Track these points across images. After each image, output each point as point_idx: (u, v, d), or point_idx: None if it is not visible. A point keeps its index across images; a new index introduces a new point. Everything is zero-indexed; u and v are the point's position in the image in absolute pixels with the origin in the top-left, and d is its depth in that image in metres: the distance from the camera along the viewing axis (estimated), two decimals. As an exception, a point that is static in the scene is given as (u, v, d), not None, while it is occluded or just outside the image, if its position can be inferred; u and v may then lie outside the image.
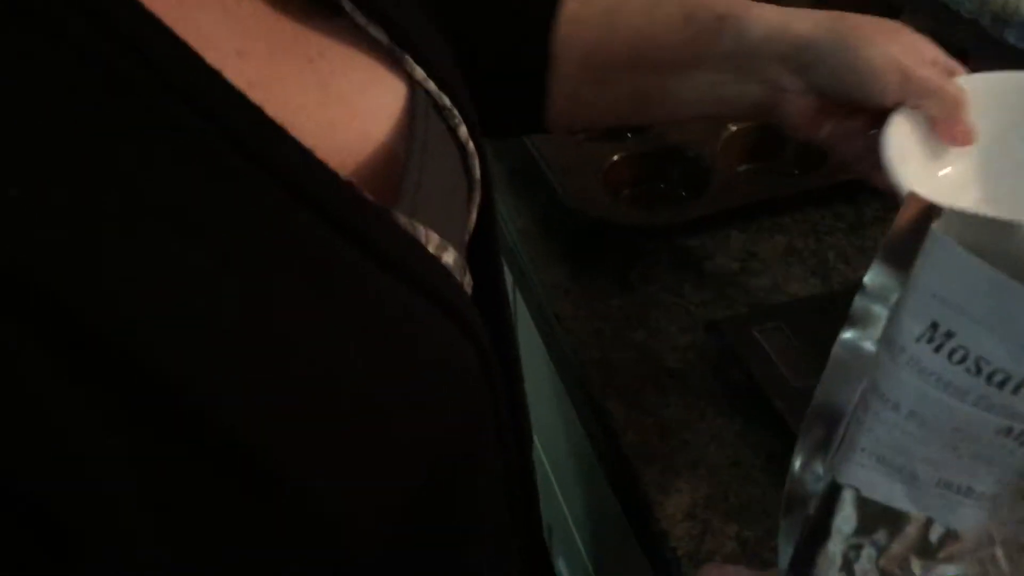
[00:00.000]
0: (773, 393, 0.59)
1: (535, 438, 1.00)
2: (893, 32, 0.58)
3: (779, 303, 0.67)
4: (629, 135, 0.84)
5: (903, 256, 0.35)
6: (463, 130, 0.45)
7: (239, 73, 0.31)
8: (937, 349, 0.34)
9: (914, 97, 0.56)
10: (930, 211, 0.36)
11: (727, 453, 0.58)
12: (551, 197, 0.78)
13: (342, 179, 0.33)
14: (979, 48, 0.89)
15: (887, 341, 0.35)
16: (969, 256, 0.33)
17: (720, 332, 0.64)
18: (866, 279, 0.37)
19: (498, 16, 0.61)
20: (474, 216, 0.46)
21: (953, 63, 0.60)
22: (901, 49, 0.57)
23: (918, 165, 0.57)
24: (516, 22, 0.62)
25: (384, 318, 0.34)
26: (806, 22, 0.58)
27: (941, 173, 0.59)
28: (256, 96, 0.31)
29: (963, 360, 0.34)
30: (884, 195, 0.76)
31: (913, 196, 0.38)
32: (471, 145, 0.45)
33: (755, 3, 0.60)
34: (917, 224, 0.35)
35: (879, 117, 0.57)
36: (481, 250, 0.47)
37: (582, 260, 0.73)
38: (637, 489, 0.58)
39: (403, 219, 0.36)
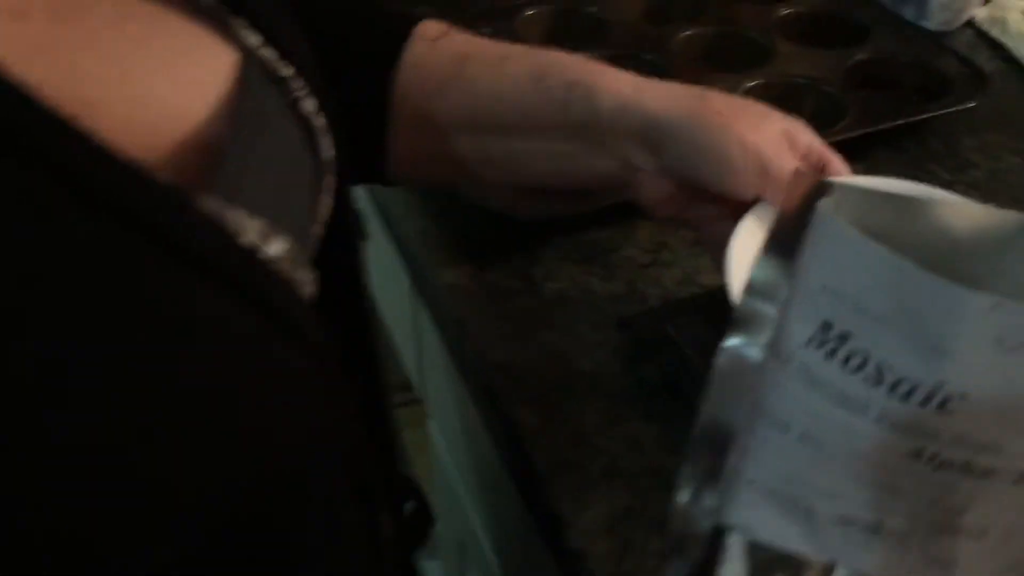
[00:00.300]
0: (692, 393, 0.55)
1: (444, 450, 0.96)
2: (760, 118, 0.55)
3: (692, 295, 0.63)
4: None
5: (792, 244, 0.30)
6: (308, 104, 0.39)
7: (15, 38, 0.25)
8: (830, 355, 0.28)
9: (772, 194, 0.53)
10: (820, 188, 0.30)
11: (646, 460, 0.54)
12: (448, 191, 0.73)
13: (122, 160, 0.27)
14: (879, 25, 0.88)
15: (773, 347, 0.30)
16: (864, 239, 0.28)
17: (632, 329, 0.60)
18: (752, 274, 0.33)
19: (334, 56, 0.57)
20: (328, 201, 0.41)
21: (828, 155, 0.56)
22: (766, 138, 0.53)
23: None
24: (354, 64, 0.56)
25: (177, 318, 0.28)
26: (663, 99, 0.54)
27: None
28: (39, 65, 0.25)
29: (862, 367, 0.27)
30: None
31: (800, 172, 0.34)
32: (319, 120, 0.39)
33: (612, 71, 0.56)
34: (806, 206, 0.30)
35: (747, 205, 0.54)
36: (337, 239, 0.42)
37: (484, 258, 0.69)
38: (549, 503, 0.53)
39: (212, 204, 0.31)
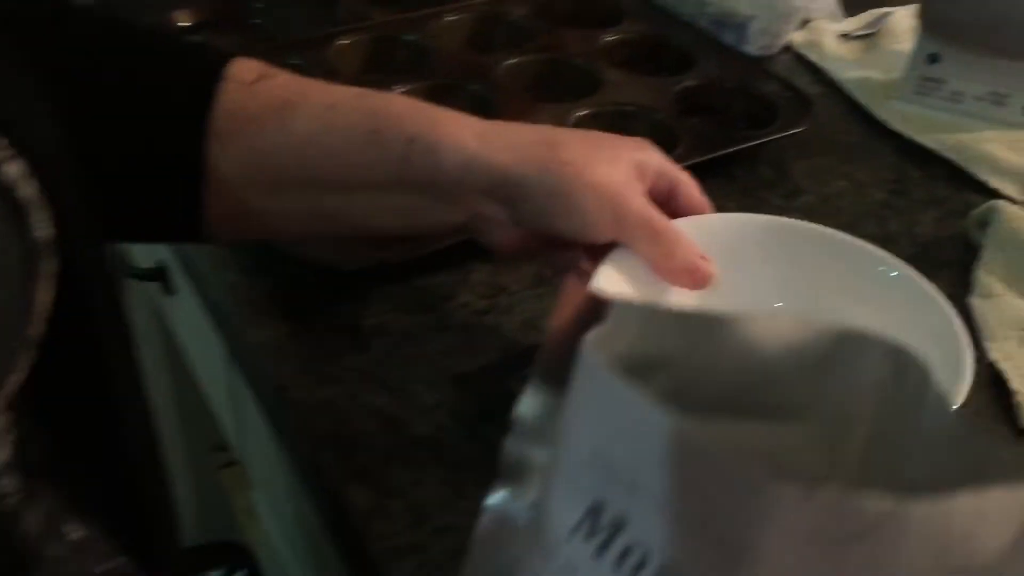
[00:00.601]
0: (540, 455, 0.50)
1: (272, 523, 0.87)
2: (611, 159, 0.51)
3: (532, 345, 0.58)
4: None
5: (563, 376, 0.24)
6: (11, 169, 0.31)
7: None
8: (601, 549, 0.21)
9: (628, 238, 0.51)
10: (594, 309, 0.25)
11: (495, 536, 0.49)
12: (260, 239, 0.66)
13: None
14: (703, 51, 0.86)
15: (536, 532, 0.23)
16: (638, 396, 0.20)
17: (471, 387, 0.55)
18: (519, 407, 0.27)
19: (139, 102, 0.49)
20: (46, 292, 0.33)
21: (678, 176, 0.55)
22: (618, 180, 0.51)
23: None
24: (160, 111, 0.50)
25: None
26: (511, 151, 0.50)
27: None
28: None
29: (640, 568, 0.20)
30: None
31: (574, 283, 0.29)
32: (26, 190, 0.31)
33: (454, 120, 0.51)
34: (578, 329, 0.24)
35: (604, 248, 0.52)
36: (68, 337, 0.34)
37: (303, 313, 0.62)
38: (391, 596, 0.47)
39: None
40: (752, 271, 0.54)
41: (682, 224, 0.54)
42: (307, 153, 0.50)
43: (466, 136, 0.50)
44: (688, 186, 0.55)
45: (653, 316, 0.25)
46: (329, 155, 0.50)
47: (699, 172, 0.72)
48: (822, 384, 0.26)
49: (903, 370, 0.25)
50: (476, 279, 0.65)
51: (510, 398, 0.53)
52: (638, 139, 0.54)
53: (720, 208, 0.71)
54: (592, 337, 0.22)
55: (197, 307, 0.71)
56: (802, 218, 0.71)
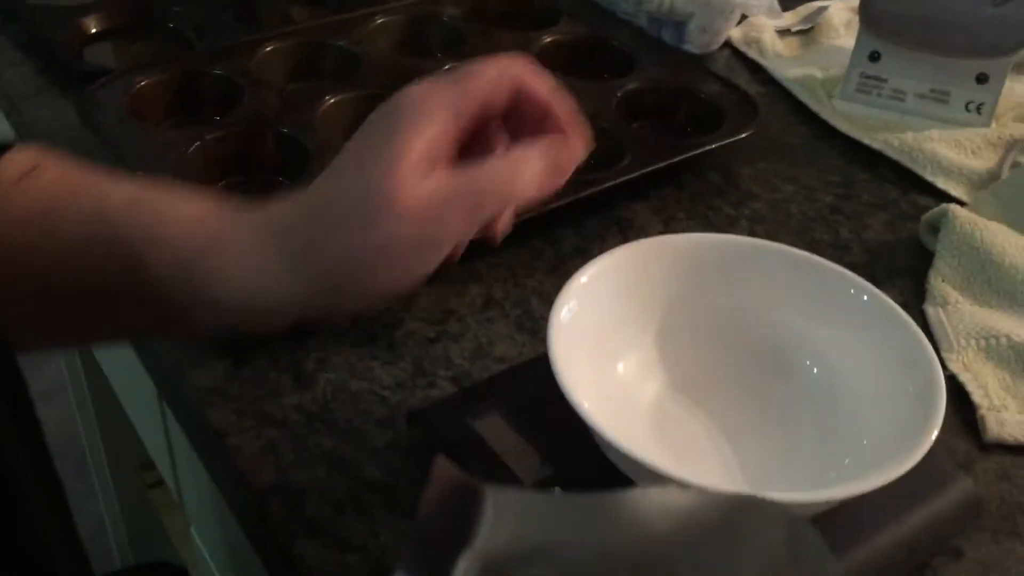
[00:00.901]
0: (503, 498, 0.47)
1: (213, 566, 0.83)
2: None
3: (488, 377, 0.56)
4: (283, 182, 0.69)
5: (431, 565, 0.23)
6: None
7: None
8: None
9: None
10: (467, 495, 0.23)
11: (460, 590, 0.46)
12: None
13: None
14: (643, 52, 0.84)
15: None
16: None
17: (426, 424, 0.52)
18: None
19: None
20: None
21: (536, 87, 0.48)
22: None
23: (585, 370, 0.48)
24: None
25: None
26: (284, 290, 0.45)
27: (620, 368, 0.52)
28: None
29: None
30: (581, 224, 0.69)
31: (442, 466, 0.26)
32: None
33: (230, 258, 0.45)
34: (449, 516, 0.23)
35: None
36: None
37: (241, 350, 0.58)
38: (352, 663, 0.44)
39: None
40: (717, 294, 0.52)
41: (645, 245, 0.52)
42: (69, 259, 0.45)
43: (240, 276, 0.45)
44: (559, 107, 0.48)
45: (533, 504, 0.24)
46: (81, 263, 0.45)
47: (648, 181, 0.70)
48: (716, 556, 0.25)
49: (798, 540, 0.25)
50: (422, 304, 0.62)
51: (468, 436, 0.51)
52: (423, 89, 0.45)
53: (671, 219, 0.70)
54: (464, 559, 0.20)
55: (125, 349, 0.66)
56: (752, 226, 0.70)
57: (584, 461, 0.47)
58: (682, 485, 0.41)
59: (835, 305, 0.50)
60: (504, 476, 0.48)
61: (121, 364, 0.73)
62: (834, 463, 0.46)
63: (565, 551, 0.23)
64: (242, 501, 0.51)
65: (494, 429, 0.51)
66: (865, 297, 0.49)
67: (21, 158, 0.47)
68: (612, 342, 0.51)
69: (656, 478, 0.42)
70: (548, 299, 0.62)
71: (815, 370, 0.50)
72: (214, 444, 0.53)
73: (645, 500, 0.26)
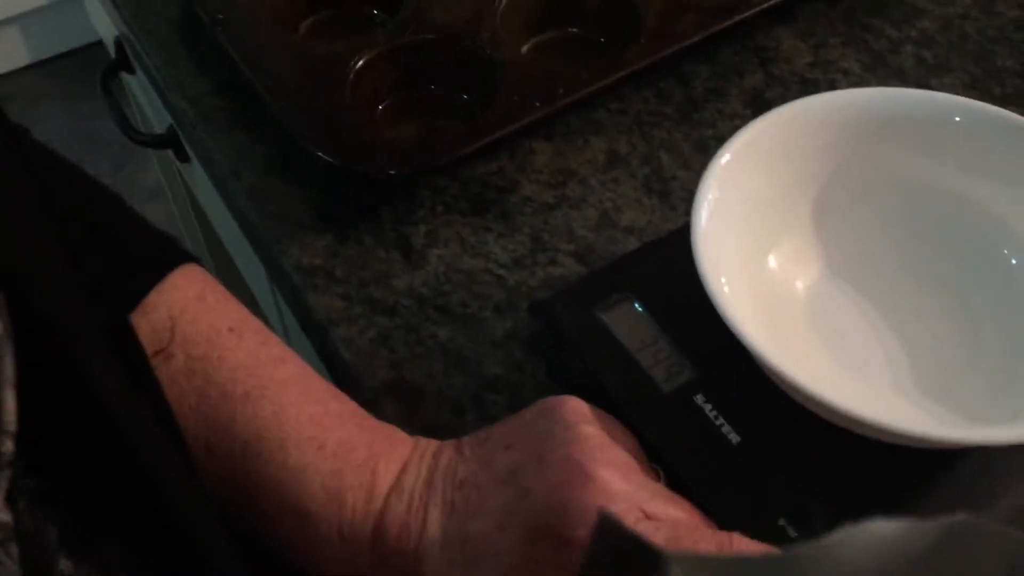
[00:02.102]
0: (635, 408, 0.43)
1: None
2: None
3: (618, 257, 0.49)
4: (376, 16, 0.62)
5: None
6: None
7: None
8: None
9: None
10: (642, 556, 0.19)
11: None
12: (284, 137, 0.56)
13: None
14: None
15: None
16: None
17: (549, 317, 0.46)
18: None
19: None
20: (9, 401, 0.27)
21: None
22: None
23: (735, 264, 0.41)
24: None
25: None
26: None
27: (772, 260, 0.44)
28: None
29: None
30: (713, 58, 0.60)
31: (609, 522, 0.20)
32: None
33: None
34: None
35: None
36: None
37: (342, 223, 0.53)
38: None
39: None
40: (891, 164, 0.44)
41: (797, 108, 0.44)
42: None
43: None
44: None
45: (725, 569, 0.18)
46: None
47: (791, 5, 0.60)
48: None
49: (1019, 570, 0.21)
50: (539, 163, 0.55)
51: (599, 333, 0.46)
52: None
53: (821, 45, 0.60)
54: None
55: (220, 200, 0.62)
56: (919, 51, 0.60)
57: (733, 361, 0.41)
58: (846, 413, 0.35)
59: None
60: (638, 379, 0.43)
61: (221, 218, 0.70)
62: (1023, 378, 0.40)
63: None
64: (357, 400, 0.48)
65: (626, 321, 0.45)
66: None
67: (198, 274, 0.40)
68: (763, 228, 0.44)
69: (815, 403, 0.37)
70: (679, 153, 0.55)
71: (1013, 261, 0.42)
72: (321, 335, 0.49)
73: (847, 543, 0.21)
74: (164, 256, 0.40)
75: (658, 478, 0.38)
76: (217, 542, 0.32)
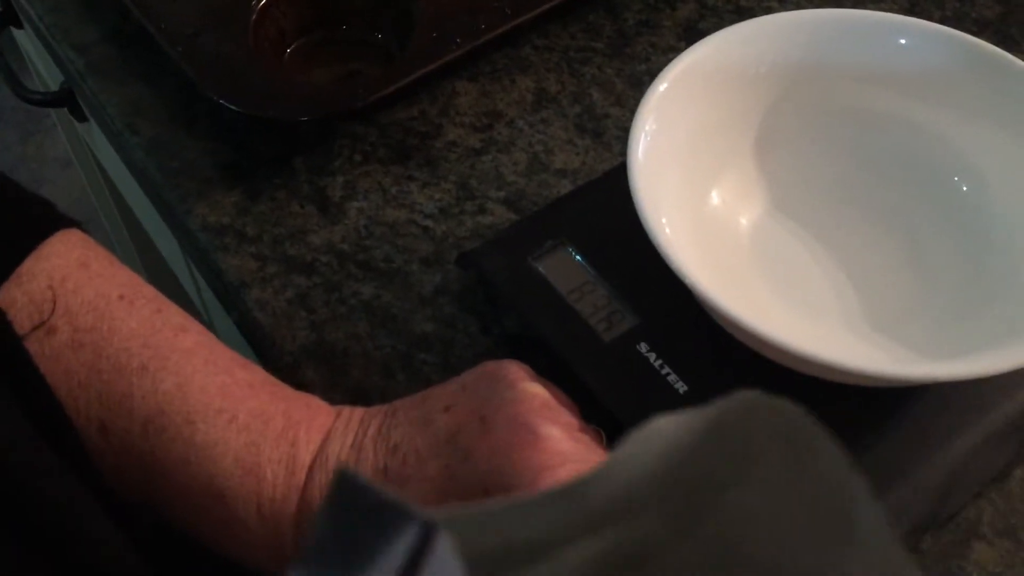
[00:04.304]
0: (576, 360, 0.40)
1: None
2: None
3: (551, 202, 0.46)
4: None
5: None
6: None
7: None
8: None
9: None
10: (388, 519, 0.16)
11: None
12: (184, 85, 0.51)
13: None
14: None
15: None
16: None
17: (480, 268, 0.43)
18: None
19: None
20: None
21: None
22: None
23: (675, 202, 0.38)
24: None
25: None
26: None
27: (714, 195, 0.42)
28: None
29: None
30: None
31: (349, 479, 0.17)
32: None
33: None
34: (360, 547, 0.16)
35: None
36: None
37: (252, 179, 0.49)
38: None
39: None
40: (835, 89, 0.42)
41: (738, 32, 0.41)
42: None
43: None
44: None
45: (503, 516, 0.18)
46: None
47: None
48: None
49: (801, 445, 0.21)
50: (462, 104, 0.51)
51: (534, 282, 0.43)
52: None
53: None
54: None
55: (120, 161, 0.57)
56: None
57: (676, 306, 0.39)
58: (796, 353, 0.33)
59: (998, 106, 0.39)
60: (578, 330, 0.40)
61: (142, 203, 0.65)
62: (978, 308, 0.38)
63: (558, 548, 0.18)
64: (276, 367, 0.44)
65: (562, 269, 0.42)
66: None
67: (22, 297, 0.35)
68: (704, 162, 0.41)
69: (764, 344, 0.34)
70: (611, 90, 0.52)
71: (964, 188, 0.40)
72: (234, 298, 0.45)
73: (630, 452, 0.20)
74: (39, 222, 0.35)
75: (601, 440, 0.36)
76: (102, 535, 0.28)
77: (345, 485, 0.16)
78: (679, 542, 0.18)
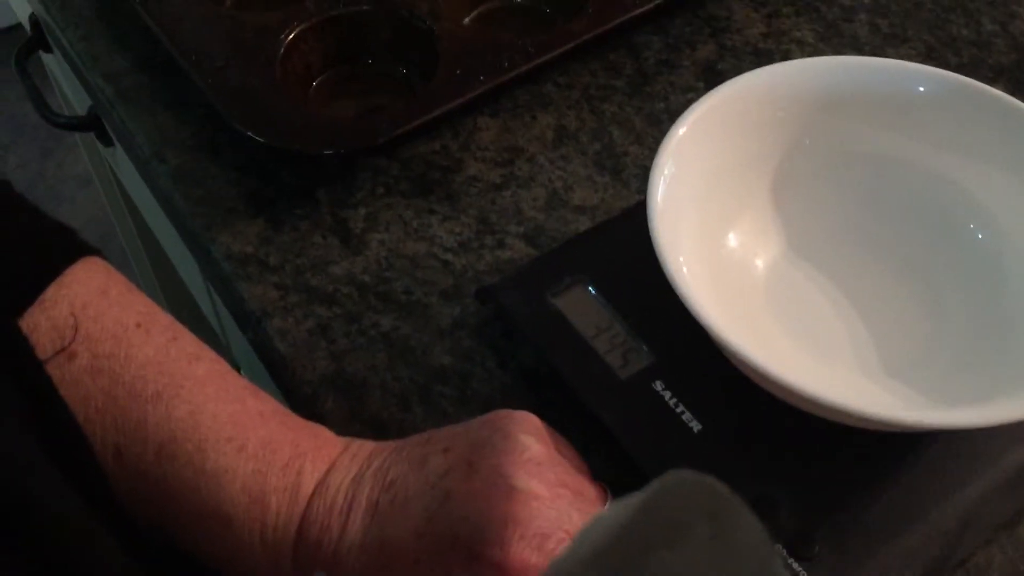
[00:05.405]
0: (591, 396, 0.40)
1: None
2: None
3: (570, 238, 0.47)
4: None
5: None
6: None
7: None
8: None
9: None
10: None
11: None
12: (210, 115, 0.52)
13: None
14: None
15: None
16: None
17: (499, 303, 0.44)
18: None
19: None
20: None
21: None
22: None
23: (693, 243, 0.39)
24: None
25: None
26: None
27: (731, 237, 0.43)
28: None
29: None
30: (664, 28, 0.57)
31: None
32: None
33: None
34: None
35: None
36: None
37: (275, 210, 0.49)
38: None
39: None
40: (851, 136, 0.42)
41: (754, 79, 0.42)
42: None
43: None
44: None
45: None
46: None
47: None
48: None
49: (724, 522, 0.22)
50: (483, 139, 0.52)
51: (553, 319, 0.43)
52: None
53: (773, 15, 0.58)
54: None
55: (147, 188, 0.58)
56: (873, 20, 0.58)
57: (692, 345, 0.39)
58: (810, 397, 0.34)
59: (1012, 153, 0.40)
60: (594, 366, 0.41)
61: (165, 229, 0.66)
62: (992, 355, 0.38)
63: None
64: (295, 396, 0.45)
65: (579, 305, 0.43)
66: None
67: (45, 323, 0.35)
68: (722, 204, 0.42)
69: (778, 386, 0.35)
70: (631, 128, 0.53)
71: (979, 235, 0.41)
72: (255, 326, 0.46)
73: (580, 542, 0.22)
74: (62, 249, 0.36)
75: (605, 497, 0.36)
76: (103, 551, 0.29)
77: None
78: None
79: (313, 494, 0.35)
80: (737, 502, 0.21)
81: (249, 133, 0.48)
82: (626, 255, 0.44)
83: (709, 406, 0.39)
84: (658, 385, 0.40)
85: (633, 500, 0.21)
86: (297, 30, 0.52)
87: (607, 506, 0.22)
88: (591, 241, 0.46)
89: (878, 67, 0.42)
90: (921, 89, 0.42)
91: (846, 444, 0.38)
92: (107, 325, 0.35)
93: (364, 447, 0.36)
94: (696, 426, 0.39)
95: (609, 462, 0.38)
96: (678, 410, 0.39)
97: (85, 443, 0.34)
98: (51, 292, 0.35)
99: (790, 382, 0.34)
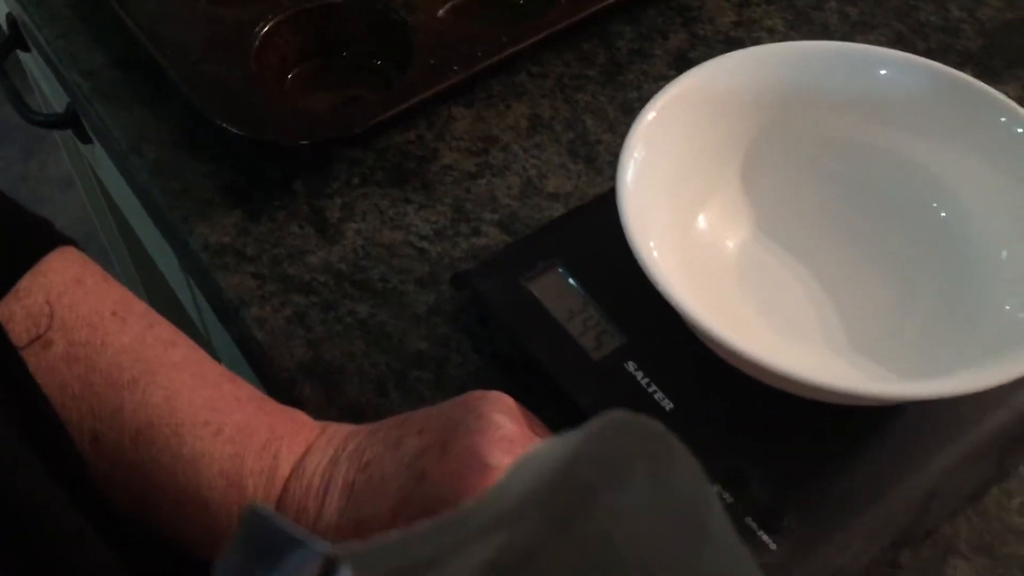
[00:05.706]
0: (565, 378, 0.41)
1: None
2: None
3: (543, 226, 0.48)
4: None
5: None
6: None
7: None
8: None
9: None
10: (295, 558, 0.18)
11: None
12: (188, 110, 0.53)
13: None
14: None
15: None
16: None
17: (474, 288, 0.44)
18: None
19: None
20: None
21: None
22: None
23: (664, 226, 0.40)
24: None
25: None
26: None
27: (701, 219, 0.43)
28: None
29: None
30: (637, 18, 0.58)
31: (254, 513, 0.19)
32: None
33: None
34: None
35: None
36: None
37: (252, 201, 0.50)
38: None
39: None
40: (818, 119, 0.43)
41: (722, 64, 0.42)
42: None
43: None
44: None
45: (393, 550, 0.18)
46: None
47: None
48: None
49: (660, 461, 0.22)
50: (458, 129, 0.53)
51: (526, 303, 0.44)
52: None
53: (745, 3, 0.58)
54: None
55: (124, 182, 0.59)
56: (843, 8, 0.59)
57: (663, 326, 0.40)
58: (779, 373, 0.34)
59: (975, 135, 0.40)
60: (568, 349, 0.41)
61: (144, 223, 0.66)
62: (956, 329, 0.39)
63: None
64: (274, 383, 0.45)
65: (553, 290, 0.43)
66: (1020, 129, 0.39)
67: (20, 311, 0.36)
68: (692, 188, 0.42)
69: (748, 364, 0.35)
70: (604, 117, 0.53)
71: (943, 214, 0.42)
72: (233, 316, 0.46)
73: (509, 480, 0.21)
74: (37, 239, 0.37)
75: None
76: (89, 545, 0.29)
77: (252, 519, 0.17)
78: (559, 540, 0.19)
79: (290, 477, 0.35)
80: (674, 440, 0.22)
81: (226, 126, 0.48)
82: (599, 240, 0.44)
83: (680, 385, 0.40)
84: (631, 366, 0.41)
85: (571, 439, 0.21)
86: (272, 23, 0.53)
87: (539, 444, 0.21)
88: (564, 227, 0.46)
89: (845, 52, 0.43)
90: (884, 72, 0.42)
91: (815, 419, 0.39)
92: (83, 313, 0.36)
93: (340, 430, 0.37)
94: (668, 404, 0.39)
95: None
96: (650, 390, 0.40)
97: (64, 432, 0.34)
98: (26, 281, 0.35)
99: (759, 358, 0.34)
